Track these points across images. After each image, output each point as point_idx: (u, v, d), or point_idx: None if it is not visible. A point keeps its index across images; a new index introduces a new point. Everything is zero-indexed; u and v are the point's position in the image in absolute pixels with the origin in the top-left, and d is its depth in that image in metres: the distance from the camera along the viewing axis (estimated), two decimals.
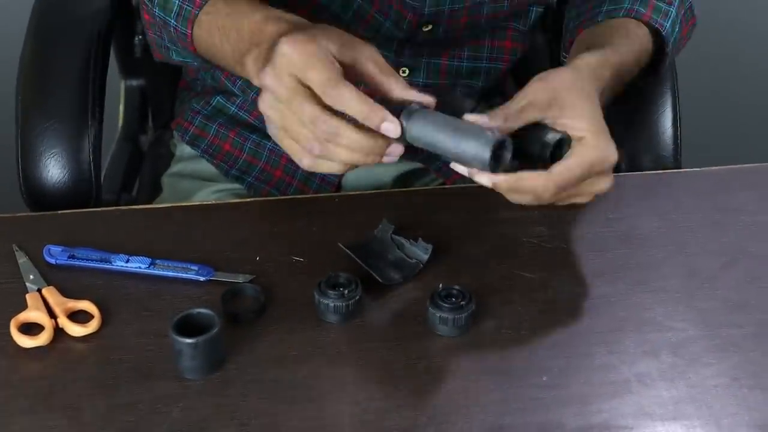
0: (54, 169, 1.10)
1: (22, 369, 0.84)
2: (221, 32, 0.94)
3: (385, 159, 0.84)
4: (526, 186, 0.89)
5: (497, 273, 0.94)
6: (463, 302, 0.87)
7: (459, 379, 0.84)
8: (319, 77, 0.82)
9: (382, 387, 0.83)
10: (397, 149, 0.84)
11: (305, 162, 0.85)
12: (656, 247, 0.97)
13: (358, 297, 0.88)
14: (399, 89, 0.85)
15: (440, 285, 0.88)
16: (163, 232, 0.98)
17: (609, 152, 0.91)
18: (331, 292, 0.87)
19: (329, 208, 1.02)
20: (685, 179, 1.07)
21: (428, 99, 0.86)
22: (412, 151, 1.20)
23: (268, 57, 0.85)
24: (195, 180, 1.20)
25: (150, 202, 1.25)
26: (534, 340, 0.88)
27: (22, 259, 0.93)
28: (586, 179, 0.91)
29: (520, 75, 1.33)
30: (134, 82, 1.43)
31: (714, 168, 1.07)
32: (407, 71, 1.14)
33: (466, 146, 0.84)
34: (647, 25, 1.07)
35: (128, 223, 1.00)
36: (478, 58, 1.16)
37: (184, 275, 0.91)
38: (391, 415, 0.81)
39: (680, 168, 1.18)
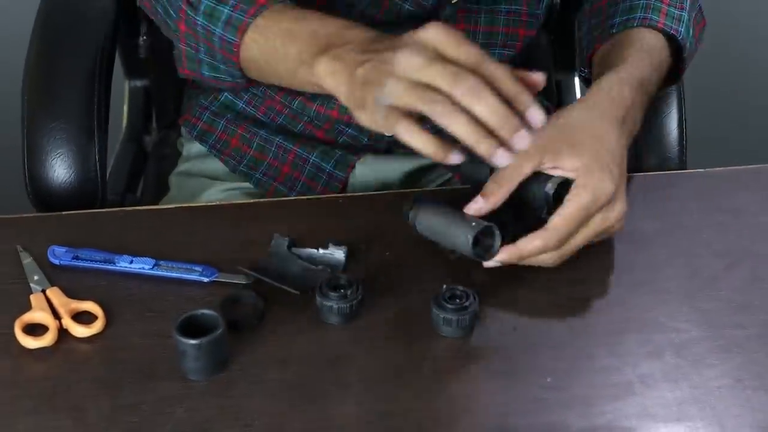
0: (60, 170, 1.10)
1: (27, 370, 0.84)
2: (286, 35, 0.93)
3: (515, 140, 0.82)
4: (529, 251, 0.89)
5: (501, 274, 0.93)
6: (466, 303, 0.87)
7: (463, 381, 0.84)
8: (475, 51, 0.82)
9: (385, 388, 0.83)
10: (523, 141, 0.83)
11: (430, 150, 0.83)
12: (660, 247, 0.97)
13: (360, 298, 0.88)
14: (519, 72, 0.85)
15: (444, 286, 0.88)
16: (168, 232, 0.99)
17: (600, 188, 0.90)
18: (332, 293, 0.88)
19: (334, 209, 1.02)
20: (689, 180, 1.07)
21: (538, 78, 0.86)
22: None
23: (380, 53, 0.84)
24: (203, 179, 1.21)
25: (155, 203, 1.25)
26: (537, 341, 0.88)
27: (26, 260, 0.94)
28: (591, 218, 0.90)
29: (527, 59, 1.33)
30: (138, 83, 1.43)
31: (718, 169, 1.07)
32: None
33: (456, 239, 0.88)
34: (662, 32, 1.06)
35: (133, 224, 1.00)
36: (491, 44, 1.16)
37: (188, 276, 0.91)
38: (394, 416, 0.81)
39: (686, 168, 1.18)
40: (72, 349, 0.86)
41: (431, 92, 0.82)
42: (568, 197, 0.89)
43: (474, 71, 0.82)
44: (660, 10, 1.07)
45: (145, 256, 0.93)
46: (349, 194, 1.14)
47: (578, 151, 0.91)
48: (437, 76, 0.82)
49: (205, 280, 0.91)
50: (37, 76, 1.15)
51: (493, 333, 0.88)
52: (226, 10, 0.96)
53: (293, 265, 0.92)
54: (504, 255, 0.89)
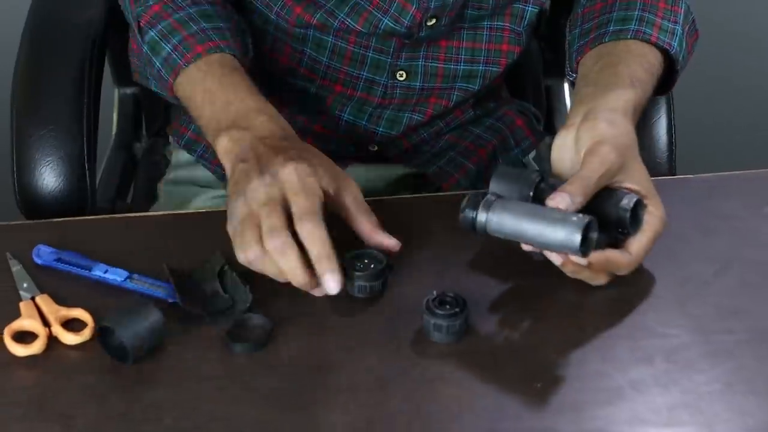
0: (49, 177, 1.10)
1: (16, 377, 0.84)
2: (206, 94, 0.98)
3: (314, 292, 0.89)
4: (613, 264, 0.90)
5: (491, 280, 0.94)
6: (457, 309, 0.87)
7: (453, 386, 0.84)
8: (304, 205, 0.87)
9: (375, 394, 0.83)
10: (331, 285, 0.87)
11: (242, 256, 0.88)
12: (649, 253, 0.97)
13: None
14: (368, 229, 0.91)
15: (434, 292, 0.88)
16: (156, 240, 0.98)
17: (665, 218, 0.93)
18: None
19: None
20: (678, 186, 1.07)
21: (392, 243, 0.91)
22: (406, 157, 1.21)
23: (260, 161, 0.90)
24: (192, 186, 1.21)
25: (145, 210, 1.25)
26: (528, 346, 0.88)
27: (15, 267, 0.93)
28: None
29: (512, 79, 1.34)
30: (128, 90, 1.43)
31: (706, 175, 1.07)
32: (404, 74, 1.15)
33: (553, 235, 0.85)
34: (655, 45, 1.06)
35: (121, 231, 1.00)
36: (475, 61, 1.16)
37: (156, 293, 0.91)
38: (384, 422, 0.81)
39: (674, 174, 1.18)
40: (61, 357, 0.86)
41: (251, 236, 0.87)
42: (646, 226, 0.91)
43: (297, 221, 0.87)
44: (654, 24, 1.07)
45: (124, 267, 0.92)
46: None
47: (639, 171, 0.93)
48: (263, 222, 0.87)
49: (170, 300, 0.90)
50: (26, 83, 1.15)
51: (483, 339, 0.88)
52: (167, 48, 1.01)
53: (210, 284, 0.92)
54: (594, 258, 0.88)
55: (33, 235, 0.97)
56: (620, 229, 0.90)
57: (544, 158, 1.26)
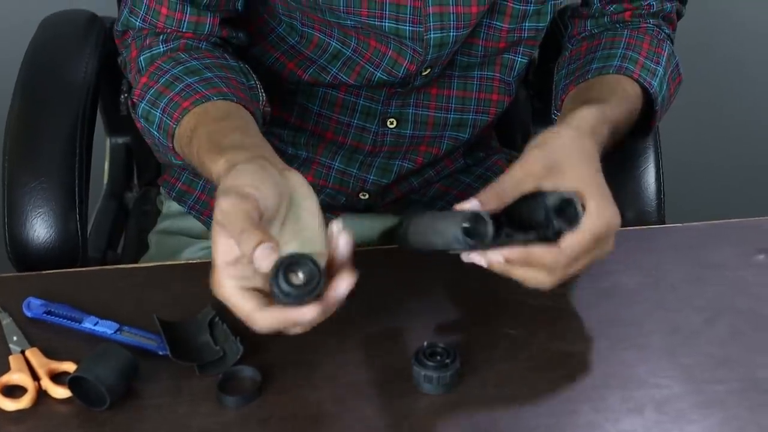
0: (40, 229, 1.10)
1: None
2: (197, 163, 0.96)
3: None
4: (536, 259, 0.88)
5: (481, 330, 0.94)
6: (447, 360, 0.87)
7: None
8: (240, 312, 0.83)
9: None
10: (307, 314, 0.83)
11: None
12: (639, 302, 0.97)
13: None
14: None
15: (425, 342, 0.88)
16: (146, 291, 0.98)
17: (614, 218, 0.90)
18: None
19: None
20: (668, 235, 1.07)
21: (346, 250, 0.85)
22: (396, 206, 1.21)
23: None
24: (182, 237, 1.21)
25: (136, 260, 1.25)
26: (519, 398, 0.88)
27: (5, 321, 0.93)
28: (595, 249, 0.90)
29: (502, 128, 1.35)
30: (119, 140, 1.43)
31: (696, 223, 1.08)
32: (395, 122, 1.15)
33: (444, 232, 0.85)
34: (636, 82, 1.08)
35: (111, 283, 1.00)
36: (465, 109, 1.17)
37: (146, 346, 0.90)
38: None
39: (664, 223, 1.19)
40: (51, 411, 0.85)
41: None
42: (584, 222, 0.88)
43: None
44: (636, 62, 1.09)
45: (114, 318, 0.92)
46: None
47: (578, 172, 0.91)
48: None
49: (160, 353, 0.90)
50: (18, 134, 1.15)
51: (474, 390, 0.88)
52: (158, 114, 1.01)
53: (200, 336, 0.91)
54: (513, 253, 0.87)
55: (23, 288, 0.97)
56: (550, 228, 0.88)
57: None
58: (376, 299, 0.96)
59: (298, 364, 0.89)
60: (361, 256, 0.94)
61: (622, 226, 1.13)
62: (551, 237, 0.88)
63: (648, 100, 1.09)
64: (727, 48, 2.32)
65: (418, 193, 1.21)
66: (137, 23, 1.07)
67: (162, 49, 1.06)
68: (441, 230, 0.86)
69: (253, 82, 1.06)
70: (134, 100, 1.05)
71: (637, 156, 1.20)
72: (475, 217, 0.85)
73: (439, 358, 0.87)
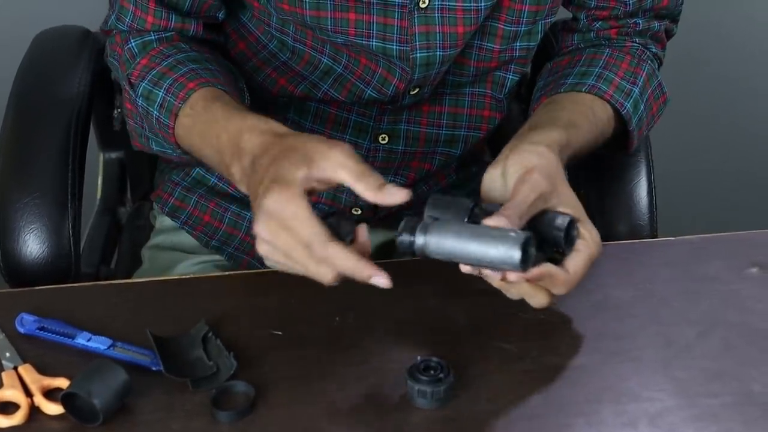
0: (33, 245, 1.10)
1: None
2: (201, 138, 0.99)
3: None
4: (552, 278, 0.90)
5: (475, 344, 0.94)
6: (441, 374, 0.87)
7: None
8: (306, 234, 0.86)
9: None
10: (382, 282, 0.87)
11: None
12: (632, 316, 0.97)
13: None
14: (372, 191, 0.88)
15: (418, 357, 0.88)
16: (139, 307, 0.98)
17: (599, 242, 0.94)
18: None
19: (307, 281, 1.02)
20: (660, 248, 1.08)
21: (402, 195, 0.88)
22: (388, 221, 1.21)
23: (255, 196, 0.90)
24: (176, 252, 1.21)
25: (129, 275, 1.25)
26: (513, 412, 0.88)
27: None
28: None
29: (494, 143, 1.35)
30: (113, 155, 1.43)
31: (688, 237, 1.08)
32: (386, 138, 1.16)
33: (493, 251, 0.85)
34: (608, 103, 1.09)
35: (104, 299, 1.00)
36: (457, 126, 1.17)
37: (140, 361, 0.90)
38: None
39: (656, 236, 1.19)
40: (44, 428, 0.85)
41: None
42: (581, 247, 0.92)
43: (309, 252, 0.87)
44: (611, 82, 1.10)
45: (108, 334, 0.92)
46: None
47: (570, 196, 0.94)
48: (289, 261, 0.88)
49: (153, 368, 0.89)
50: (11, 150, 1.16)
51: (467, 404, 0.88)
52: (161, 93, 1.02)
53: (193, 351, 0.91)
54: (532, 272, 0.88)
55: (16, 304, 0.97)
56: (556, 249, 0.91)
57: None
58: (369, 314, 0.96)
59: (292, 379, 0.89)
60: None
61: (615, 239, 1.14)
62: (558, 257, 0.91)
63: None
64: (719, 61, 2.33)
65: (409, 208, 1.21)
66: (124, 28, 1.09)
67: (154, 38, 1.07)
68: (492, 251, 0.85)
69: (242, 84, 1.10)
70: (132, 80, 1.06)
71: (629, 170, 1.20)
72: (527, 240, 0.86)
73: (432, 372, 0.87)
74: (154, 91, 1.03)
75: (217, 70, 1.05)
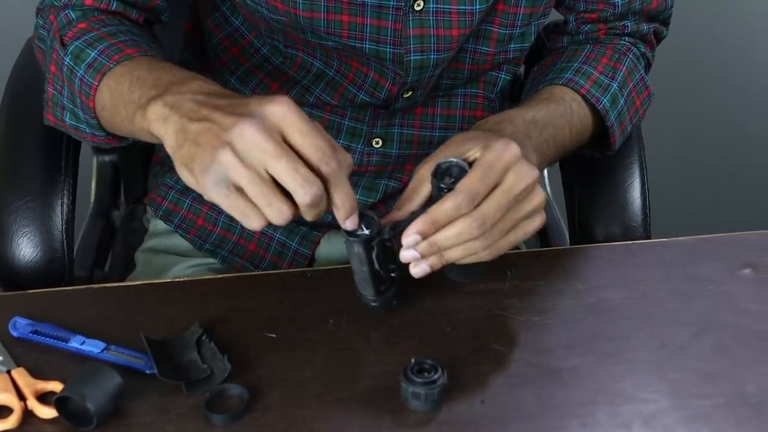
0: (26, 249, 1.10)
1: None
2: (135, 81, 0.91)
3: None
4: (442, 213, 0.87)
5: (469, 346, 0.94)
6: (435, 376, 0.87)
7: None
8: (323, 143, 0.81)
9: None
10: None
11: (255, 223, 0.82)
12: (626, 317, 0.98)
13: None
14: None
15: (413, 359, 0.88)
16: (132, 310, 0.98)
17: (502, 145, 0.88)
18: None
19: (301, 283, 1.02)
20: (654, 250, 1.08)
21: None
22: None
23: (224, 108, 0.82)
24: (169, 255, 1.21)
25: (123, 278, 1.25)
26: (507, 413, 0.88)
27: None
28: (503, 178, 0.88)
29: None
30: (106, 158, 1.43)
31: (682, 238, 1.08)
32: (380, 141, 1.16)
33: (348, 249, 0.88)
34: (584, 97, 1.09)
35: (97, 302, 1.00)
36: (450, 127, 1.18)
37: (134, 365, 0.90)
38: None
39: (649, 238, 1.19)
40: (37, 431, 0.85)
41: (271, 192, 0.80)
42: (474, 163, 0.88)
43: (321, 160, 0.81)
44: (589, 77, 1.10)
45: (101, 337, 0.92)
46: (316, 268, 1.14)
47: (464, 141, 0.91)
48: (285, 175, 0.80)
49: (147, 371, 0.89)
50: (3, 153, 1.15)
51: (462, 406, 0.88)
52: (93, 53, 0.96)
53: (187, 354, 0.91)
54: (419, 225, 0.87)
55: (9, 307, 0.97)
56: (443, 191, 0.88)
57: None
58: (362, 316, 0.96)
59: (286, 382, 0.89)
60: (348, 274, 0.94)
61: (609, 240, 1.14)
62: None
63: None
64: (712, 62, 2.33)
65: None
66: (59, 4, 1.04)
67: (95, 8, 1.02)
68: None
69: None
70: (65, 40, 0.99)
71: (622, 171, 1.20)
72: (360, 216, 0.87)
73: (426, 374, 0.87)
74: (86, 50, 0.96)
75: (158, 50, 1.00)
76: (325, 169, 0.82)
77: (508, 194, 0.88)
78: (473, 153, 0.90)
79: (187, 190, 1.19)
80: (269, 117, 0.81)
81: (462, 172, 0.88)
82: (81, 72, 0.97)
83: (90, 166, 1.43)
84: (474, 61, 1.13)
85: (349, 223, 0.86)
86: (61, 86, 1.01)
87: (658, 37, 1.21)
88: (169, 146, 0.85)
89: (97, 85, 0.95)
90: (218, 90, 0.87)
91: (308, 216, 0.83)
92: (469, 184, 0.87)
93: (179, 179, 1.19)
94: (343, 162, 0.83)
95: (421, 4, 1.04)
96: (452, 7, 1.05)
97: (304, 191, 0.80)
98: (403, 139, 1.16)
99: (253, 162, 0.80)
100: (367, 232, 0.88)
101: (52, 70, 1.02)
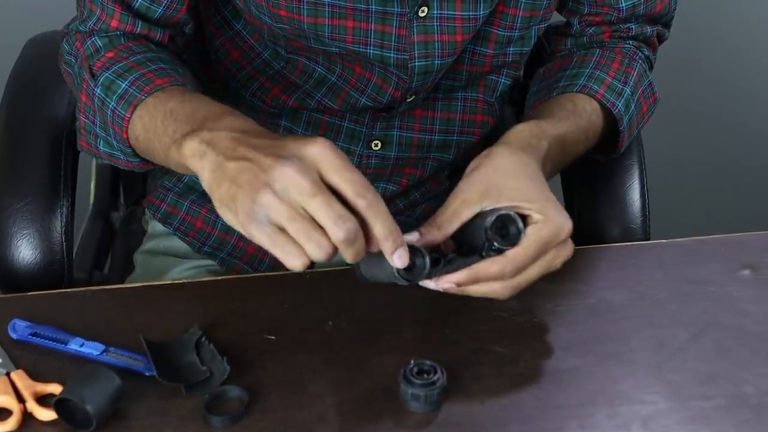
0: (26, 251, 1.10)
1: None
2: (168, 114, 0.93)
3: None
4: (483, 274, 0.89)
5: (468, 347, 0.94)
6: (435, 378, 0.87)
7: None
8: (359, 178, 0.83)
9: None
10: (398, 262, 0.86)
11: (297, 260, 0.83)
12: (625, 319, 0.98)
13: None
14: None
15: (412, 361, 0.88)
16: (132, 312, 0.98)
17: (561, 223, 0.91)
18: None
19: (300, 285, 1.02)
20: (653, 251, 1.08)
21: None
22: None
23: (262, 150, 0.83)
24: (168, 257, 1.20)
25: (122, 280, 1.25)
26: (506, 415, 0.88)
27: None
28: (546, 254, 0.91)
29: (487, 147, 1.35)
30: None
31: (681, 239, 1.08)
32: (379, 144, 1.16)
33: (386, 268, 0.87)
34: (600, 102, 1.09)
35: (97, 304, 1.00)
36: (449, 131, 1.18)
37: (133, 367, 0.90)
38: None
39: (649, 239, 1.19)
40: None
41: (310, 227, 0.81)
42: (529, 229, 0.89)
43: (356, 198, 0.82)
44: (603, 82, 1.10)
45: (101, 339, 0.92)
46: (315, 270, 1.14)
47: (516, 187, 0.91)
48: (319, 212, 0.81)
49: (146, 373, 0.89)
50: (3, 155, 1.15)
51: (461, 408, 0.88)
52: (123, 85, 0.97)
53: (187, 356, 0.91)
54: (460, 276, 0.89)
55: (8, 309, 0.97)
56: (493, 248, 0.89)
57: None
58: (361, 318, 0.96)
59: (285, 384, 0.89)
60: (348, 276, 0.95)
61: (608, 242, 1.14)
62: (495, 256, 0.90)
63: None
64: (712, 63, 2.33)
65: (403, 214, 1.22)
66: (85, 30, 1.05)
67: (120, 34, 1.03)
68: (384, 266, 0.87)
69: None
70: (94, 70, 1.01)
71: (622, 173, 1.20)
72: (412, 251, 0.86)
73: (426, 376, 0.87)
74: (117, 81, 0.98)
75: (188, 80, 1.02)
76: (361, 202, 0.83)
77: (548, 267, 0.92)
78: (531, 213, 0.90)
79: (185, 193, 1.19)
80: (307, 158, 0.82)
81: (517, 236, 0.89)
82: (113, 104, 0.98)
83: (89, 167, 1.43)
84: (472, 62, 1.13)
85: (398, 260, 0.85)
86: (93, 116, 1.02)
87: (660, 40, 1.21)
88: (206, 183, 0.86)
89: (130, 117, 0.97)
90: (253, 127, 0.88)
91: (347, 255, 0.83)
92: (520, 258, 0.89)
93: (178, 181, 1.19)
94: (378, 197, 0.83)
95: (426, 10, 1.04)
96: (456, 13, 1.05)
97: (337, 227, 0.81)
98: (402, 142, 1.16)
99: (291, 201, 0.82)
100: (426, 268, 0.87)
101: (83, 99, 1.03)
